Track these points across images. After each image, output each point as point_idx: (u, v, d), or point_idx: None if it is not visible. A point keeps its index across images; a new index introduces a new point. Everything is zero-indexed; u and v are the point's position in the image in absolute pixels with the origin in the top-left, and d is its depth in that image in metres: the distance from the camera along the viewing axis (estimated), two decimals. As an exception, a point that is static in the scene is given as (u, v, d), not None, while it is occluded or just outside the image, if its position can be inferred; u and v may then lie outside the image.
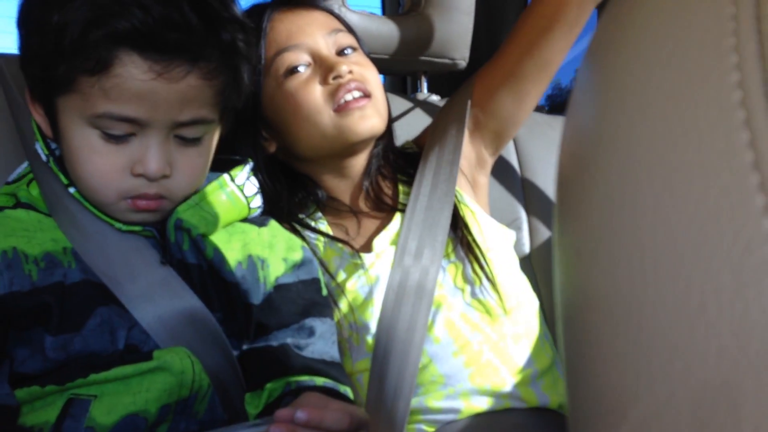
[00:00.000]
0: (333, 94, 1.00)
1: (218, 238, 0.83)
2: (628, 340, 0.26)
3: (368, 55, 1.12)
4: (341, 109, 0.99)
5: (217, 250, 0.81)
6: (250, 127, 1.04)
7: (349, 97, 1.00)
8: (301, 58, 1.02)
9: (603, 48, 0.35)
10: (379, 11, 1.94)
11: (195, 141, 0.78)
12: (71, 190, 0.78)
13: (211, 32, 0.73)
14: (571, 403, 0.32)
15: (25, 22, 0.76)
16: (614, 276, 0.30)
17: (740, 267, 0.23)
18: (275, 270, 0.86)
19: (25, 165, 0.85)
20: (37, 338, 0.73)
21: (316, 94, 1.00)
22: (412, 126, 1.26)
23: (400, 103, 1.37)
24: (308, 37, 1.03)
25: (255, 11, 1.06)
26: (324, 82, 1.00)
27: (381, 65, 1.32)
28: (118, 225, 0.79)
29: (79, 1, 0.69)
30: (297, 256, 0.90)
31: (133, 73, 0.69)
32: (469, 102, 1.13)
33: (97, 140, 0.73)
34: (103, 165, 0.74)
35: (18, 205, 0.80)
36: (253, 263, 0.84)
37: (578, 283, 0.32)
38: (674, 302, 0.25)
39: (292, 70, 1.02)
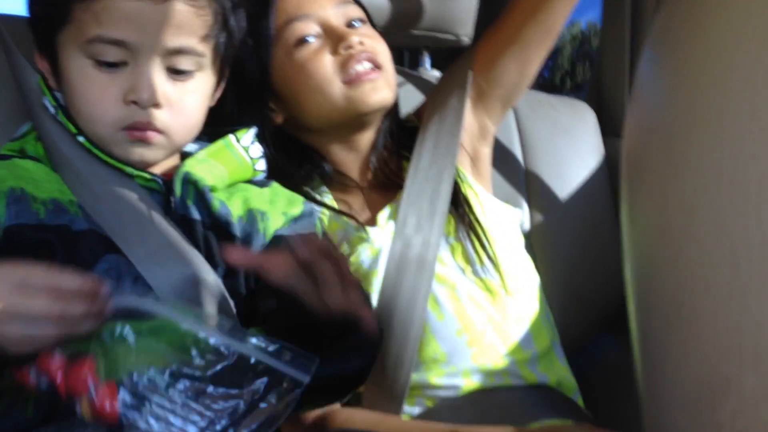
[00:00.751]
0: (343, 65, 0.99)
1: (222, 194, 0.84)
2: (723, 322, 0.26)
3: (377, 28, 1.11)
4: (352, 80, 0.99)
5: (222, 204, 0.83)
6: (257, 98, 1.03)
7: (360, 68, 0.99)
8: (310, 29, 1.01)
9: (668, 36, 0.34)
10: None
11: (187, 75, 0.80)
12: (80, 138, 0.80)
13: None
14: (647, 389, 0.32)
15: None
16: (691, 257, 0.30)
17: None
18: (274, 223, 0.87)
19: (26, 126, 0.87)
20: None
21: (326, 64, 0.99)
22: (414, 102, 1.25)
23: (405, 79, 1.35)
24: (318, 7, 1.02)
25: None
26: (334, 52, 1.00)
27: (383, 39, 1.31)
28: (128, 169, 0.80)
29: None
30: (296, 210, 0.91)
31: None
32: (471, 71, 1.13)
33: (91, 70, 0.77)
34: (98, 93, 0.77)
35: (26, 157, 0.82)
36: (253, 216, 0.86)
37: (652, 260, 0.32)
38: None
39: (302, 41, 1.01)
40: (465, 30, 1.34)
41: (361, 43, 1.00)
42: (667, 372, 0.28)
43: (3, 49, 0.94)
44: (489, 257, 1.01)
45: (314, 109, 1.02)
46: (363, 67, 0.99)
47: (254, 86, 1.02)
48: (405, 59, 1.80)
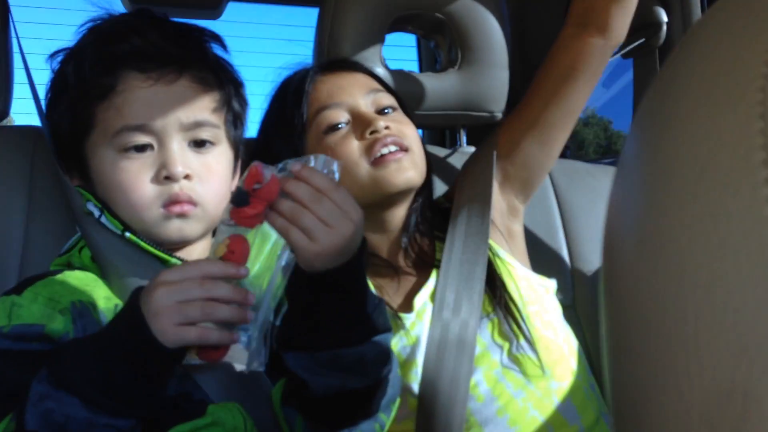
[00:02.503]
0: (369, 148, 1.03)
1: (260, 276, 0.86)
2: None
3: (409, 114, 1.15)
4: (378, 162, 1.02)
5: (260, 289, 0.84)
6: None
7: (385, 150, 1.03)
8: (340, 116, 1.06)
9: (647, 123, 0.36)
10: (415, 69, 2.00)
11: (209, 146, 0.87)
12: (127, 234, 0.85)
13: (195, 46, 0.90)
14: (613, 397, 0.34)
15: (51, 92, 0.91)
16: (658, 332, 0.31)
17: None
18: None
19: (74, 237, 0.92)
20: None
21: (353, 148, 1.03)
22: (450, 179, 1.28)
23: (446, 156, 1.40)
24: (348, 96, 1.07)
25: (299, 74, 1.11)
26: (361, 137, 1.04)
27: (421, 120, 1.36)
28: (172, 260, 0.85)
29: (84, 44, 0.87)
30: None
31: (134, 84, 0.83)
32: (495, 153, 1.15)
33: (123, 160, 0.83)
34: (133, 179, 0.83)
35: (73, 269, 0.87)
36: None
37: (628, 325, 0.33)
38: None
39: (332, 127, 1.06)
40: (498, 106, 1.38)
41: (387, 127, 1.04)
42: (670, 380, 0.28)
43: (47, 167, 1.03)
44: (524, 334, 1.00)
45: None
46: (389, 149, 1.03)
47: None
48: (446, 139, 1.85)
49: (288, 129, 1.07)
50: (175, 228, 0.84)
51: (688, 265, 0.29)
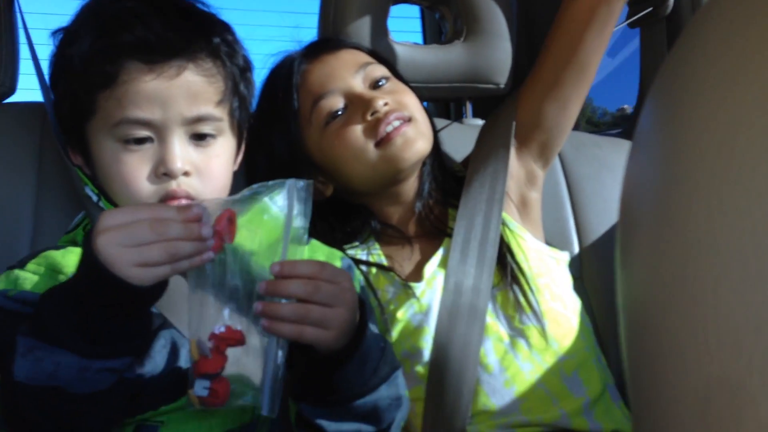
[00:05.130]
0: (373, 129, 1.02)
1: (262, 258, 0.87)
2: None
3: (407, 80, 1.14)
4: (384, 141, 1.02)
5: (263, 268, 0.85)
6: (300, 175, 1.06)
7: (389, 128, 1.02)
8: (337, 103, 1.05)
9: (664, 97, 0.36)
10: (419, 41, 1.98)
11: (210, 140, 0.85)
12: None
13: (200, 35, 0.86)
14: (632, 395, 0.34)
15: (52, 71, 0.90)
16: (670, 301, 0.32)
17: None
18: None
19: (81, 215, 0.93)
20: None
21: (357, 132, 1.03)
22: (460, 152, 1.28)
23: (447, 128, 1.39)
24: (339, 80, 1.06)
25: (285, 65, 1.10)
26: (363, 120, 1.03)
27: (427, 93, 1.35)
28: None
29: (86, 28, 0.84)
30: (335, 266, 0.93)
31: (137, 76, 0.81)
32: (513, 124, 1.15)
33: (122, 152, 0.82)
34: (131, 171, 0.82)
35: (78, 246, 0.87)
36: None
37: (644, 299, 0.34)
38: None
39: (331, 116, 1.05)
40: (503, 78, 1.38)
41: (386, 104, 1.03)
42: (669, 376, 0.29)
43: (55, 144, 1.02)
44: (533, 306, 1.01)
45: (357, 175, 1.06)
46: (392, 126, 1.02)
47: (285, 163, 1.07)
48: (451, 111, 1.84)
49: (283, 122, 1.07)
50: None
51: (704, 240, 0.29)
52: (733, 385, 0.26)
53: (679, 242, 0.31)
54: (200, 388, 0.69)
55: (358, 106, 1.04)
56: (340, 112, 1.05)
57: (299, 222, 0.91)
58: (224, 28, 0.91)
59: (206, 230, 0.68)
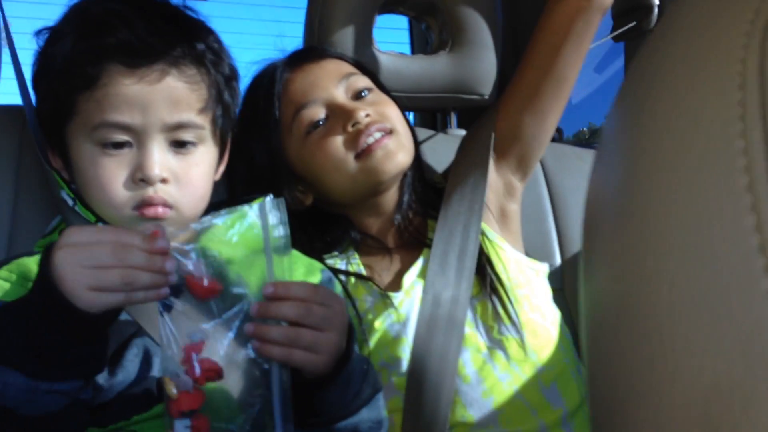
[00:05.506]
0: (353, 141, 1.02)
1: (240, 266, 0.86)
2: (649, 344, 0.28)
3: (395, 95, 1.14)
4: (364, 153, 1.02)
5: (239, 276, 0.85)
6: (272, 183, 1.07)
7: (370, 140, 1.02)
8: (318, 113, 1.05)
9: (628, 101, 0.36)
10: (407, 51, 1.99)
11: (190, 147, 0.83)
12: (100, 225, 0.84)
13: (185, 41, 0.84)
14: (591, 398, 0.34)
15: (35, 70, 0.88)
16: (631, 308, 0.32)
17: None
18: None
19: (58, 218, 0.92)
20: None
21: (337, 143, 1.03)
22: (444, 162, 1.28)
23: (431, 139, 1.40)
24: (321, 90, 1.06)
25: (267, 73, 1.10)
26: (343, 131, 1.03)
27: (413, 103, 1.35)
28: None
29: (70, 28, 0.83)
30: (315, 278, 0.93)
31: (118, 80, 0.79)
32: (492, 134, 1.15)
33: (99, 155, 0.80)
34: (108, 176, 0.80)
35: None
36: None
37: (605, 301, 0.34)
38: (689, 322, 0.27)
39: (313, 125, 1.05)
40: (488, 89, 1.38)
41: (368, 115, 1.03)
42: (670, 376, 0.29)
43: (38, 147, 1.01)
44: (512, 317, 1.00)
45: (336, 186, 1.06)
46: (373, 137, 1.02)
47: (264, 172, 1.07)
48: (438, 121, 1.85)
49: (264, 131, 1.06)
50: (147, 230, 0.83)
51: (670, 240, 0.29)
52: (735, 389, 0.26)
53: (641, 250, 0.31)
54: (181, 427, 0.67)
55: (339, 116, 1.04)
56: (321, 123, 1.05)
57: (280, 232, 0.90)
58: (210, 36, 0.89)
59: (169, 264, 0.66)
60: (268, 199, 0.87)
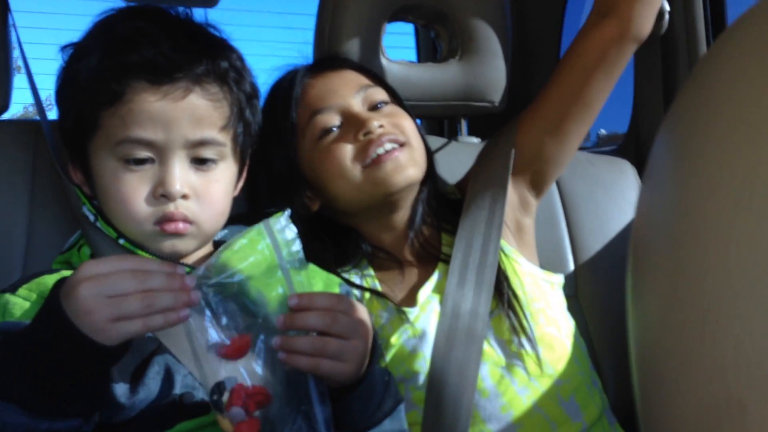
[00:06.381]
0: (363, 151, 1.02)
1: (259, 282, 0.86)
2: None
3: (405, 104, 1.14)
4: (373, 164, 1.01)
5: (259, 292, 0.85)
6: (288, 189, 1.07)
7: (381, 150, 1.01)
8: (333, 119, 1.05)
9: (679, 124, 0.36)
10: (413, 57, 1.99)
11: (211, 164, 0.84)
12: (121, 241, 0.84)
13: (209, 59, 0.84)
14: (642, 416, 0.34)
15: (59, 85, 0.89)
16: (683, 327, 0.32)
17: None
18: None
19: (75, 235, 0.92)
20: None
21: (346, 151, 1.03)
22: (455, 169, 1.28)
23: (441, 146, 1.39)
24: (339, 98, 1.06)
25: (287, 78, 1.10)
26: (354, 139, 1.03)
27: (422, 111, 1.35)
28: None
29: (95, 45, 0.84)
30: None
31: (143, 96, 0.80)
32: (513, 150, 1.14)
33: (121, 170, 0.81)
34: (130, 191, 0.81)
35: (72, 268, 0.85)
36: None
37: (652, 328, 0.34)
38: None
39: (326, 131, 1.05)
40: (497, 96, 1.38)
41: (381, 126, 1.02)
42: (672, 395, 0.29)
43: (58, 165, 1.01)
44: (525, 332, 1.00)
45: (342, 194, 1.05)
46: (384, 149, 1.02)
47: (284, 178, 1.07)
48: (445, 129, 1.85)
49: (280, 135, 1.06)
50: (168, 245, 0.83)
51: (710, 264, 0.29)
52: (746, 406, 0.26)
53: (692, 271, 0.31)
54: None
55: (352, 125, 1.04)
56: (334, 129, 1.05)
57: (293, 247, 0.90)
58: (233, 54, 0.90)
59: (189, 280, 0.67)
60: (283, 215, 0.87)
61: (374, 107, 1.07)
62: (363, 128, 1.02)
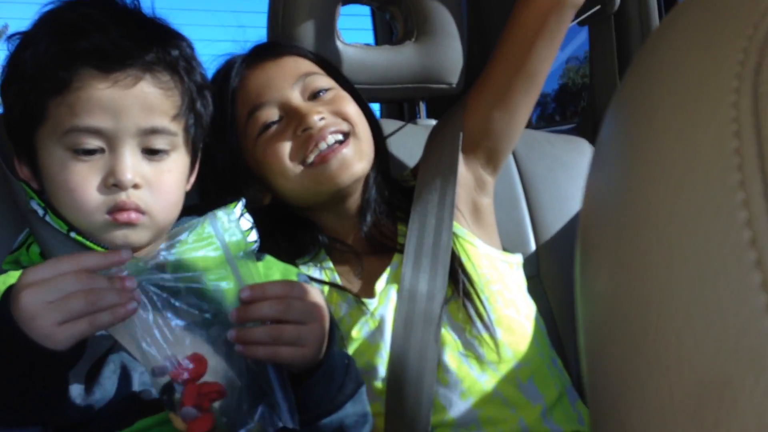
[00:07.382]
0: (303, 147, 1.00)
1: (216, 274, 0.85)
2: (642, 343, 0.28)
3: (362, 87, 1.12)
4: (317, 162, 0.99)
5: (215, 284, 0.83)
6: (237, 183, 1.05)
7: (323, 146, 0.99)
8: (272, 114, 1.03)
9: (629, 97, 0.35)
10: (370, 39, 1.97)
11: (162, 155, 0.83)
12: (72, 234, 0.82)
13: (159, 46, 0.82)
14: (590, 393, 0.34)
15: (5, 76, 0.86)
16: (626, 319, 0.32)
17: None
18: None
19: (24, 233, 0.89)
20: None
21: (285, 149, 1.01)
22: (415, 152, 1.27)
23: (400, 130, 1.38)
24: (276, 91, 1.03)
25: (223, 71, 1.07)
26: (293, 136, 1.00)
27: (380, 94, 1.34)
28: None
29: (42, 33, 0.81)
30: None
31: (92, 84, 0.78)
32: (461, 131, 1.13)
33: (70, 160, 0.79)
34: (79, 182, 0.79)
35: (21, 268, 0.83)
36: None
37: (602, 302, 0.34)
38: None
39: (266, 126, 1.02)
40: (455, 78, 1.37)
41: (322, 118, 1.00)
42: (662, 372, 0.29)
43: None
44: (483, 316, 0.99)
45: (287, 190, 1.04)
46: (326, 143, 1.00)
47: (229, 173, 1.05)
48: (405, 112, 1.83)
49: (221, 131, 1.03)
50: (120, 235, 0.81)
51: (652, 255, 0.29)
52: (724, 384, 0.26)
53: (635, 261, 0.31)
54: None
55: (292, 118, 1.01)
56: (274, 125, 1.03)
57: (239, 237, 0.88)
58: (183, 42, 0.88)
59: (130, 282, 0.65)
60: (236, 206, 0.85)
61: (315, 95, 1.05)
62: (302, 124, 0.99)
